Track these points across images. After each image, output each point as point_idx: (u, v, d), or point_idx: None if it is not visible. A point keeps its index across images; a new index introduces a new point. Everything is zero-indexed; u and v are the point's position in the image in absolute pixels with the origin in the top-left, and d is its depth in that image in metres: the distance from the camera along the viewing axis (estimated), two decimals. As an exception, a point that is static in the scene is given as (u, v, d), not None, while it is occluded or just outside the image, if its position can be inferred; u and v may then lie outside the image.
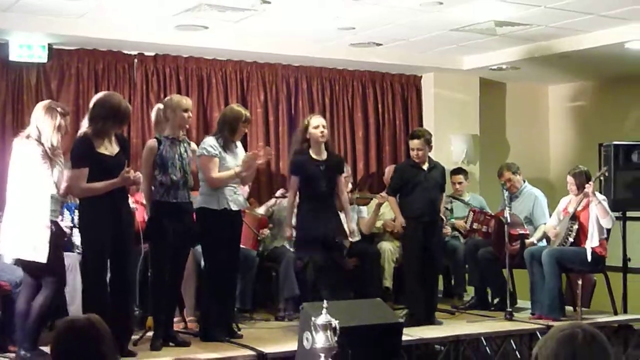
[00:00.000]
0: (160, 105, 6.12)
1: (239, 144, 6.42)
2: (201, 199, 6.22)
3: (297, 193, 6.68)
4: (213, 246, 6.19)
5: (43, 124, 5.35)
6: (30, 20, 7.10)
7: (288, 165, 6.98)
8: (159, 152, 5.91)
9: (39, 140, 5.32)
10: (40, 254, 5.23)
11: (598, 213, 7.13)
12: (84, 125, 5.56)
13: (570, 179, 7.43)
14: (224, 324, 6.27)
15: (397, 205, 7.17)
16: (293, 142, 6.91)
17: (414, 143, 7.08)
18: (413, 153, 7.11)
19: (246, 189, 6.72)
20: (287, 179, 7.25)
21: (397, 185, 7.19)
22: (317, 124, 6.61)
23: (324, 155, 6.66)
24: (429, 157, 7.14)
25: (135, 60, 8.06)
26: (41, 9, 6.89)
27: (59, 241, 5.46)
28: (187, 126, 6.14)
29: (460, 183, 8.37)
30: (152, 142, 6.02)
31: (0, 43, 7.42)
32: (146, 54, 8.10)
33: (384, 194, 7.74)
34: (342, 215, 6.81)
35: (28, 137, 5.37)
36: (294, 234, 6.69)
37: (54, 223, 5.35)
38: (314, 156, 6.62)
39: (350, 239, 6.88)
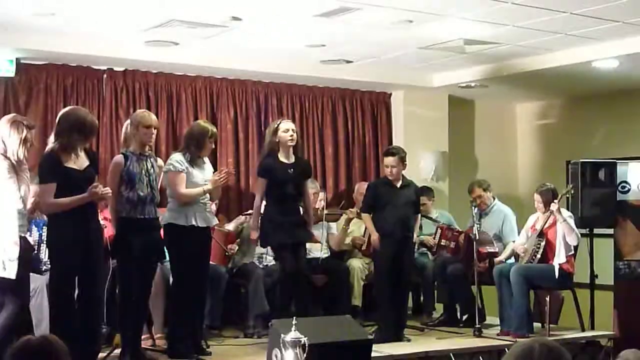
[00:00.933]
0: (128, 121, 6.11)
1: (206, 159, 6.41)
2: (169, 215, 6.19)
3: (264, 196, 6.67)
4: (181, 262, 6.17)
5: (9, 138, 5.30)
6: (-2, 34, 7.05)
7: (256, 168, 6.99)
8: (126, 168, 5.87)
9: (4, 155, 5.27)
10: (9, 271, 5.16)
11: (563, 230, 7.21)
12: (51, 141, 5.53)
13: (537, 196, 7.49)
14: (192, 341, 6.23)
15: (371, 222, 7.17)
16: (264, 145, 6.90)
17: (389, 160, 7.10)
18: (387, 170, 7.12)
19: (213, 206, 6.71)
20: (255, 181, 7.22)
21: (370, 202, 7.20)
22: (286, 127, 6.61)
23: (292, 159, 6.66)
24: (403, 175, 7.16)
25: (105, 75, 8.02)
26: (9, 24, 6.83)
27: (26, 257, 5.41)
28: (151, 143, 6.09)
29: (424, 204, 8.26)
30: (118, 158, 5.97)
31: (-32, 58, 7.37)
32: (115, 69, 8.06)
33: (353, 210, 7.77)
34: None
35: (-7, 151, 5.31)
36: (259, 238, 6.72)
37: (21, 239, 5.29)
38: (282, 159, 6.61)
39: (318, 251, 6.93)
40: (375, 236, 7.03)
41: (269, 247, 7.08)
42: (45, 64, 7.74)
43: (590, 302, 7.78)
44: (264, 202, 6.70)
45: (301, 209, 6.77)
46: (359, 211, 7.60)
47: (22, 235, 5.32)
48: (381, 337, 6.78)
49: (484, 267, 7.46)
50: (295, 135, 6.62)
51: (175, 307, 6.30)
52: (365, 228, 7.47)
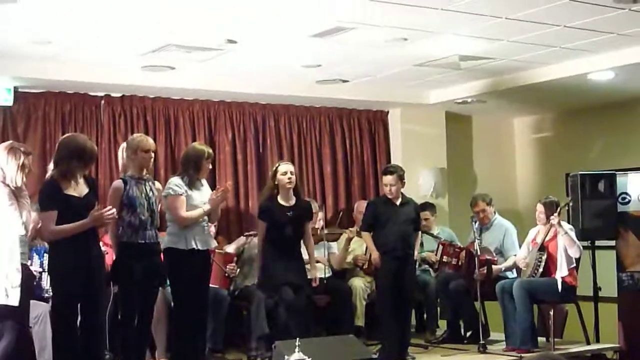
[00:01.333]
0: (124, 145, 6.11)
1: (204, 181, 6.43)
2: (168, 239, 6.19)
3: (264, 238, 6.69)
4: (182, 286, 6.16)
5: (7, 165, 5.31)
6: (-5, 63, 7.07)
7: (257, 210, 7.02)
8: (126, 193, 5.87)
9: (4, 182, 5.28)
10: (11, 298, 5.16)
11: (565, 243, 7.20)
12: (50, 169, 5.53)
13: (540, 207, 7.48)
14: (196, 364, 6.22)
15: (372, 240, 7.16)
16: (264, 188, 6.96)
17: (387, 179, 7.11)
18: (386, 189, 7.13)
19: (212, 228, 6.72)
20: (256, 221, 7.24)
21: (370, 220, 7.20)
22: (284, 170, 6.66)
23: (292, 201, 6.69)
24: (402, 193, 7.17)
25: (102, 101, 8.03)
26: (6, 53, 6.86)
27: (28, 284, 5.40)
28: (149, 166, 6.11)
29: (426, 219, 8.30)
30: (118, 183, 5.98)
31: (-35, 87, 7.37)
32: (113, 95, 8.07)
33: (353, 229, 7.76)
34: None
35: (-8, 179, 5.31)
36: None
37: (23, 266, 5.29)
38: (281, 202, 6.65)
39: (313, 284, 6.88)
40: (375, 254, 7.03)
41: None
42: (42, 92, 7.76)
43: (595, 315, 7.76)
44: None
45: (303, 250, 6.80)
46: (358, 230, 7.61)
47: (24, 262, 5.32)
48: (385, 356, 6.76)
49: (482, 274, 7.43)
50: (293, 177, 6.67)
51: (177, 330, 6.28)
52: (367, 246, 7.47)
